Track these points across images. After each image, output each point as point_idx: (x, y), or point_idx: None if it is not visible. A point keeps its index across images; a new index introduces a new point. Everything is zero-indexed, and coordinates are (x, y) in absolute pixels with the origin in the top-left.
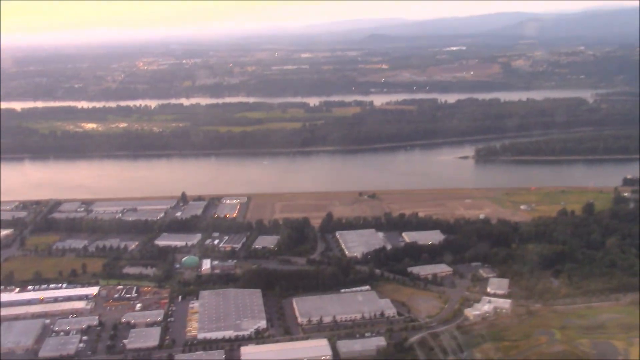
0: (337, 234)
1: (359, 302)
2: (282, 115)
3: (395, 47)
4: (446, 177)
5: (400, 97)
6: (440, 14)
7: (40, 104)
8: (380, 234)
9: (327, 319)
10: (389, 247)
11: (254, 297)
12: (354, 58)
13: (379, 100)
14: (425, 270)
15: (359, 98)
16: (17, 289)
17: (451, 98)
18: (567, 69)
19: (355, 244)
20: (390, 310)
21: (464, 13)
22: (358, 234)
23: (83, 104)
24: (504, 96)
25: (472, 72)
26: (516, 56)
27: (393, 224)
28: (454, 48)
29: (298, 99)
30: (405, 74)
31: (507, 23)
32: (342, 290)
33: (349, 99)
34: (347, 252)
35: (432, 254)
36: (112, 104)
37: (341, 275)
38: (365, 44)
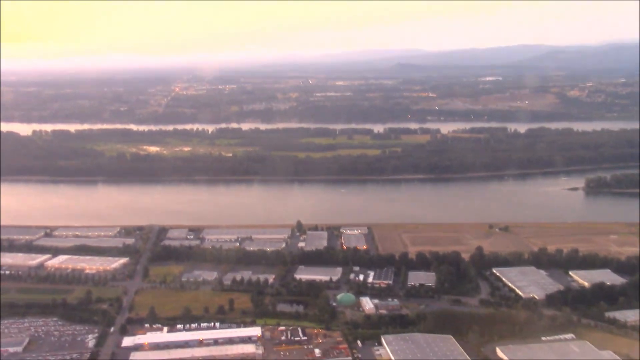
0: (495, 270)
1: (577, 354)
2: (349, 141)
3: (428, 77)
4: (567, 209)
5: (458, 125)
6: (458, 46)
7: (89, 126)
8: (543, 272)
9: None
10: (560, 287)
11: (449, 344)
12: (394, 86)
13: (438, 127)
14: (626, 315)
15: (417, 126)
16: (166, 328)
17: (519, 127)
18: (627, 99)
19: (524, 283)
20: None
21: (482, 45)
22: (520, 271)
23: (132, 127)
24: (570, 126)
25: (526, 102)
26: (568, 86)
27: (554, 261)
28: (491, 78)
29: (353, 126)
30: (458, 103)
31: (531, 55)
32: (544, 338)
33: (408, 126)
34: (520, 293)
35: (627, 298)
36: (168, 127)
37: (536, 319)
38: (395, 73)
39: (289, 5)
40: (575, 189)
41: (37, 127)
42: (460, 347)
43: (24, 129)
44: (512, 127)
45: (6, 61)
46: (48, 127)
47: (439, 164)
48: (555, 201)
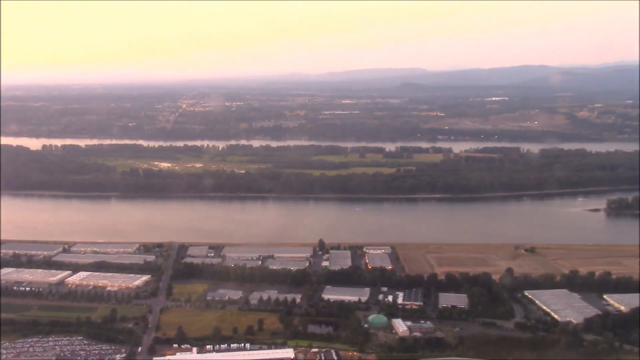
0: (528, 293)
1: None
2: (361, 159)
3: (433, 96)
4: (591, 231)
5: (469, 145)
6: (460, 66)
7: (98, 142)
8: (576, 295)
9: None
10: (597, 311)
11: None
12: (401, 105)
13: (450, 146)
14: None
15: (428, 145)
16: (195, 349)
17: (531, 147)
18: (637, 121)
19: (559, 306)
20: None
21: (484, 65)
22: (552, 294)
23: (142, 143)
24: (582, 147)
25: (536, 122)
26: (577, 107)
27: (586, 284)
28: (497, 98)
29: (363, 144)
30: (467, 122)
31: (534, 76)
32: None
33: (419, 145)
34: (557, 317)
35: None
36: (177, 143)
37: (576, 345)
38: (400, 92)
39: (289, 24)
40: (597, 210)
41: (46, 141)
42: None
43: (34, 144)
44: (524, 147)
45: (11, 76)
46: (58, 142)
47: (456, 184)
48: (578, 222)
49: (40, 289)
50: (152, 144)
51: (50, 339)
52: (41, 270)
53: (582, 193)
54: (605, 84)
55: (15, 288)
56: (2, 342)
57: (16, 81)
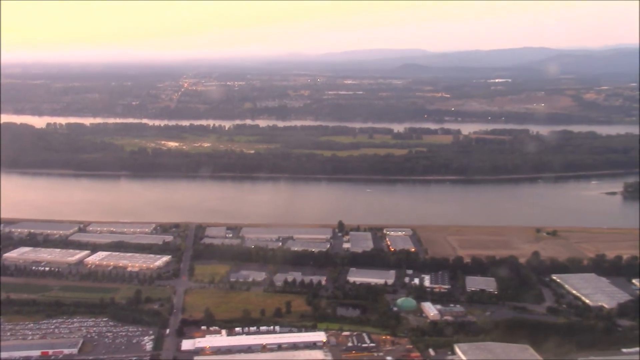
0: (555, 277)
1: None
2: (370, 140)
3: (435, 77)
4: (609, 214)
5: (477, 126)
6: (460, 47)
7: (102, 120)
8: (605, 280)
9: None
10: (628, 295)
11: (526, 355)
12: (405, 86)
13: (458, 128)
14: None
15: (436, 126)
16: (224, 331)
17: (539, 129)
18: None
19: (589, 291)
20: None
21: (485, 47)
22: (581, 278)
23: (146, 121)
24: (591, 129)
25: (542, 104)
26: (583, 89)
27: (614, 269)
28: (501, 80)
29: (370, 124)
30: (473, 104)
31: (535, 58)
32: (625, 350)
33: (427, 126)
34: (588, 301)
35: None
36: (183, 123)
37: (613, 330)
38: (402, 73)
39: (287, 4)
40: (614, 193)
41: (50, 120)
42: (539, 357)
43: (37, 122)
44: (532, 129)
45: (8, 53)
46: (61, 120)
47: (469, 166)
48: (596, 205)
49: (60, 269)
50: (157, 122)
51: (75, 320)
52: (59, 249)
53: (596, 176)
54: (607, 66)
55: (33, 268)
56: (26, 323)
57: (14, 59)
